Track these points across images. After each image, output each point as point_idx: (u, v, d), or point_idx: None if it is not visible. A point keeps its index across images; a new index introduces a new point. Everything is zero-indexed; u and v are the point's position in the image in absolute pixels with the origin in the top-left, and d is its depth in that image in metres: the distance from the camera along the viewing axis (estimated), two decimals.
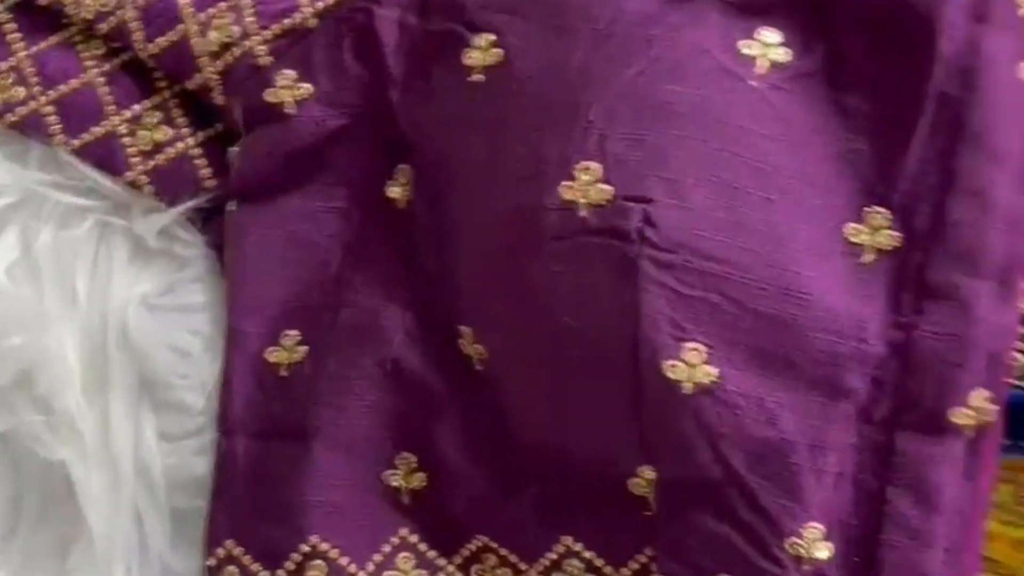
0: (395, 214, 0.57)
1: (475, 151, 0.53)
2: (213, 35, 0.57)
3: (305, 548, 0.55)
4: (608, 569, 0.55)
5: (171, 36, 0.57)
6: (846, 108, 0.51)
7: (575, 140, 0.51)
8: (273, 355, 0.57)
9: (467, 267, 0.54)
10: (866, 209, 0.51)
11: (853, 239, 0.51)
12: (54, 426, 0.57)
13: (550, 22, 0.52)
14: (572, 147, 0.51)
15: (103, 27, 0.58)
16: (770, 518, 0.50)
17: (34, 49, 0.59)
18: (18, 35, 0.59)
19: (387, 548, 0.56)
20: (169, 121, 0.59)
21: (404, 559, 0.56)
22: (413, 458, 0.56)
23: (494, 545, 0.56)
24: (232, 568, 0.56)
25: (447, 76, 0.54)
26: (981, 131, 0.50)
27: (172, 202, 0.58)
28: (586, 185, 0.50)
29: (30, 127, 0.58)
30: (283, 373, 0.57)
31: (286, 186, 0.57)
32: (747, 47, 0.52)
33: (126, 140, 0.59)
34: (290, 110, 0.57)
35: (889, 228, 0.51)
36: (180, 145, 0.59)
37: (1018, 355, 0.54)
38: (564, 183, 0.50)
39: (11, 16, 0.59)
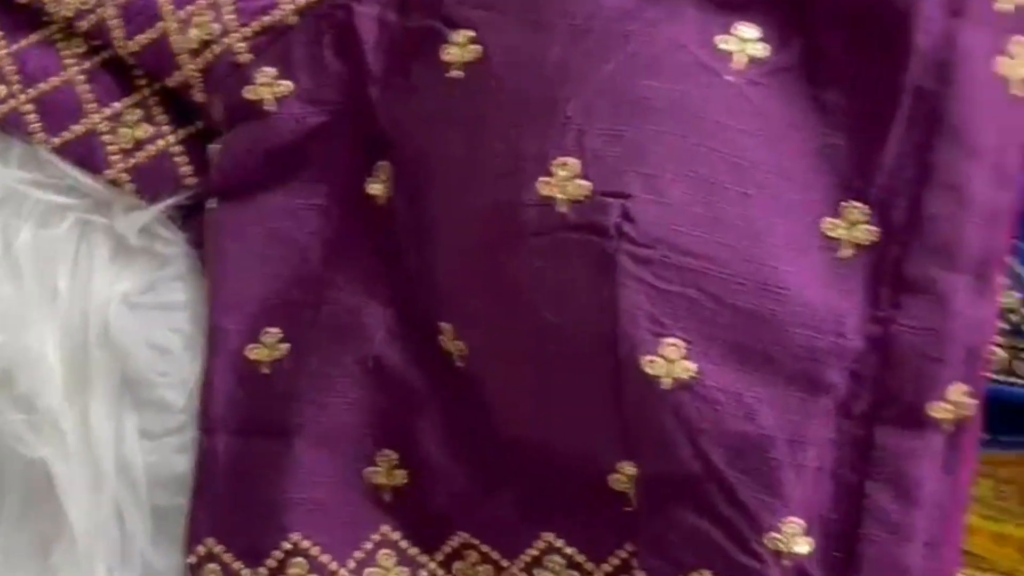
0: (375, 211, 0.57)
1: (454, 147, 0.53)
2: (193, 32, 0.57)
3: (286, 545, 0.55)
4: (589, 565, 0.55)
5: (151, 34, 0.57)
6: (823, 103, 0.51)
7: (553, 136, 0.51)
8: (254, 353, 0.57)
9: (446, 263, 0.54)
10: (843, 204, 0.51)
11: (830, 234, 0.51)
12: (35, 425, 0.57)
13: (528, 18, 0.52)
14: (550, 143, 0.51)
15: (83, 25, 0.58)
16: (749, 513, 0.50)
17: (14, 47, 0.59)
18: None
19: (368, 545, 0.56)
20: (149, 119, 0.59)
21: (385, 556, 0.56)
22: (394, 455, 0.56)
23: (475, 542, 0.56)
24: (213, 566, 0.56)
25: (426, 72, 0.54)
26: (958, 125, 0.50)
27: (153, 200, 0.58)
28: (564, 181, 0.50)
29: (10, 125, 0.58)
30: (264, 371, 0.57)
31: (266, 183, 0.57)
32: (724, 42, 0.52)
33: (106, 138, 0.58)
34: (270, 107, 0.57)
35: (866, 223, 0.51)
36: (161, 143, 0.59)
37: (997, 349, 0.54)
38: (542, 179, 0.50)
39: None
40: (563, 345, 0.51)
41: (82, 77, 0.59)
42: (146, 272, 0.59)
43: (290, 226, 0.57)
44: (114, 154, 0.58)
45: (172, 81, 0.58)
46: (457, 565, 0.56)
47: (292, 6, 0.56)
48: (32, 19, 0.59)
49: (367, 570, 0.56)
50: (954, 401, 0.51)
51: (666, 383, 0.50)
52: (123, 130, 0.58)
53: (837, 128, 0.51)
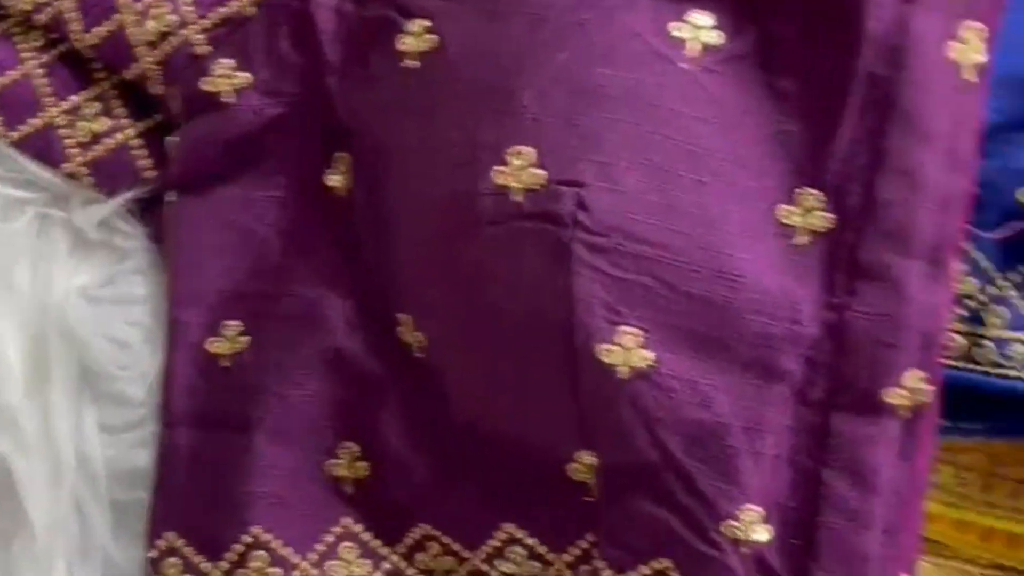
0: (335, 202, 0.56)
1: (410, 137, 0.53)
2: (150, 24, 0.57)
3: (247, 539, 0.55)
4: (550, 555, 0.55)
5: (108, 26, 0.57)
6: (777, 90, 0.51)
7: (508, 125, 0.50)
8: (214, 346, 0.56)
9: (404, 254, 0.54)
10: (798, 191, 0.51)
11: (786, 221, 0.51)
12: None
13: (483, 7, 0.52)
14: (505, 132, 0.50)
15: (41, 18, 0.58)
16: (707, 501, 0.50)
17: None
18: None
19: (330, 538, 0.56)
20: (108, 112, 0.58)
21: (347, 549, 0.56)
22: (356, 447, 0.56)
23: (437, 533, 0.56)
24: (174, 559, 0.56)
25: (383, 62, 0.54)
26: (910, 110, 0.50)
27: (111, 193, 0.58)
28: (519, 170, 0.50)
29: None
30: (225, 364, 0.56)
31: (225, 175, 0.57)
32: (678, 30, 0.51)
33: (64, 131, 0.58)
34: (228, 99, 0.56)
35: (821, 209, 0.51)
36: (119, 136, 0.58)
37: (956, 336, 0.54)
38: (497, 168, 0.50)
39: None
40: (519, 334, 0.51)
41: (40, 71, 0.58)
42: (105, 266, 0.58)
43: (249, 218, 0.57)
44: (72, 147, 0.58)
45: (130, 73, 0.57)
46: (419, 557, 0.56)
47: None
48: None
49: (328, 563, 0.56)
50: (910, 387, 0.51)
51: (623, 372, 0.50)
52: (81, 123, 0.58)
53: (791, 115, 0.51)
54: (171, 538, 0.56)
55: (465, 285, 0.52)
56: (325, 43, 0.56)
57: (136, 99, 0.58)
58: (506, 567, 0.55)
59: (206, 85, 0.56)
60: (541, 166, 0.50)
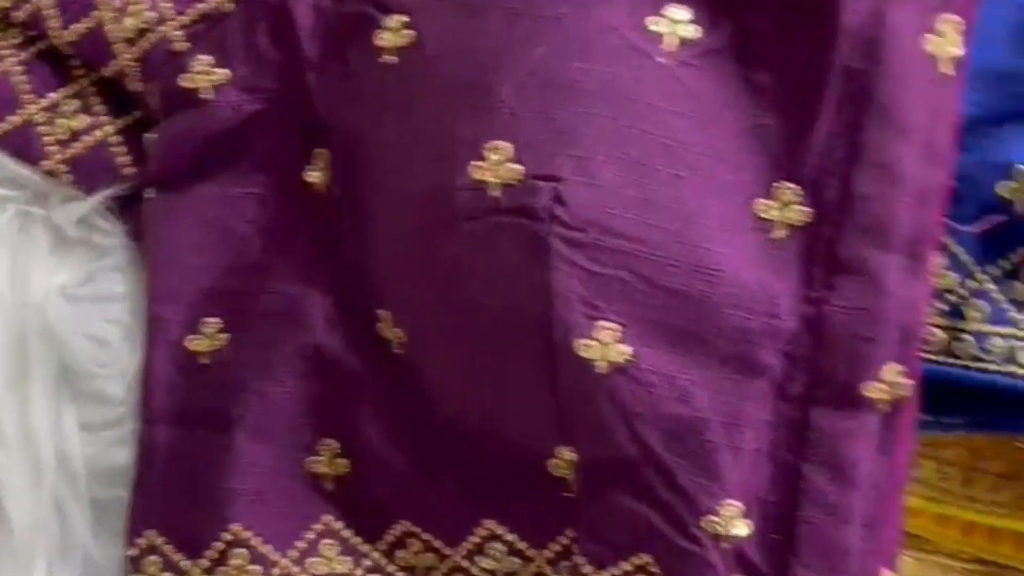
0: (314, 199, 0.56)
1: (389, 133, 0.53)
2: (129, 21, 0.56)
3: (227, 536, 0.55)
4: (531, 551, 0.55)
5: (87, 22, 0.57)
6: (754, 84, 0.51)
7: (485, 120, 0.50)
8: (194, 343, 0.56)
9: (383, 250, 0.54)
10: (776, 185, 0.51)
11: (763, 215, 0.51)
12: None
13: (461, 2, 0.52)
14: (482, 127, 0.50)
15: (19, 15, 0.57)
16: (687, 496, 0.50)
17: None
18: None
19: (311, 535, 0.56)
20: (87, 109, 0.58)
21: (328, 546, 0.56)
22: (336, 444, 0.56)
23: (417, 530, 0.56)
24: (154, 558, 0.56)
25: (361, 58, 0.54)
26: (887, 104, 0.50)
27: (90, 191, 0.58)
28: (496, 164, 0.50)
29: None
30: (204, 361, 0.56)
31: (204, 172, 0.57)
32: (655, 24, 0.51)
33: (43, 129, 0.58)
34: (207, 95, 0.56)
35: (799, 203, 0.51)
36: (98, 133, 0.58)
37: (936, 330, 0.54)
38: (474, 163, 0.50)
39: None
40: (498, 330, 0.51)
41: (19, 68, 0.58)
42: (84, 263, 0.58)
43: (228, 215, 0.57)
44: (51, 145, 0.58)
45: (109, 70, 0.57)
46: (400, 554, 0.56)
47: None
48: None
49: (309, 560, 0.56)
50: (889, 381, 0.51)
51: (601, 367, 0.50)
52: (60, 121, 0.58)
53: (768, 109, 0.51)
54: (151, 536, 0.56)
55: (443, 280, 0.52)
56: (303, 39, 0.55)
57: (115, 96, 0.58)
58: (486, 563, 0.55)
59: (184, 82, 0.56)
60: (518, 161, 0.50)
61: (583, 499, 0.52)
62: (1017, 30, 0.53)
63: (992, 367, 0.53)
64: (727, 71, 0.51)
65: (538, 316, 0.50)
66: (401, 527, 0.56)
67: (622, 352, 0.50)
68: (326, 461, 0.56)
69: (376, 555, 0.56)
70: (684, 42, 0.51)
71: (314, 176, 0.56)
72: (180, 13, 0.56)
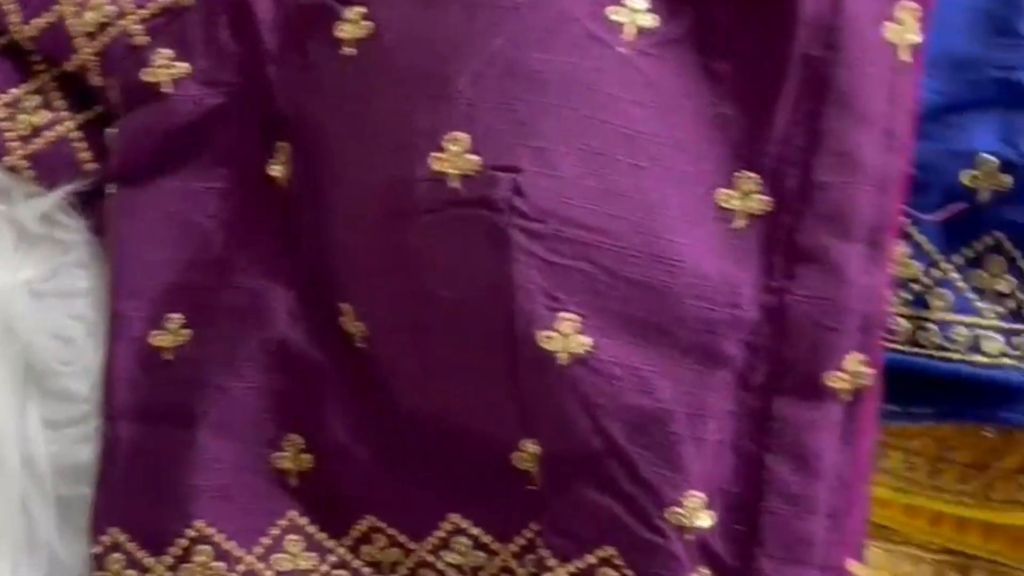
0: (276, 192, 0.56)
1: (348, 125, 0.53)
2: (89, 15, 0.56)
3: (191, 533, 0.55)
4: (496, 545, 0.54)
5: (48, 17, 0.56)
6: (714, 73, 0.51)
7: (444, 111, 0.50)
8: (157, 339, 0.56)
9: (344, 243, 0.54)
10: (736, 174, 0.51)
11: (724, 204, 0.51)
12: None
13: None
14: (441, 118, 0.50)
15: None
16: (651, 488, 0.50)
17: None
18: None
19: (275, 531, 0.56)
20: (47, 105, 0.58)
21: (292, 542, 0.56)
22: (300, 439, 0.56)
23: (382, 525, 0.55)
24: (118, 555, 0.55)
25: (321, 50, 0.54)
26: (846, 92, 0.50)
27: (52, 186, 0.57)
28: (455, 156, 0.50)
29: None
30: (167, 357, 0.56)
31: (165, 167, 0.57)
32: (615, 13, 0.51)
33: (4, 125, 0.58)
34: (167, 89, 0.56)
35: (759, 192, 0.51)
36: (59, 128, 0.58)
37: (900, 320, 0.54)
38: (434, 154, 0.50)
39: None
40: (459, 322, 0.51)
41: None
42: (48, 259, 0.58)
43: (190, 209, 0.56)
44: (12, 141, 0.58)
45: (70, 65, 0.57)
46: (365, 549, 0.56)
47: None
48: None
49: (274, 556, 0.56)
50: (851, 371, 0.50)
51: (562, 358, 0.49)
52: (21, 116, 0.58)
53: (727, 98, 0.51)
54: (114, 533, 0.55)
55: (403, 273, 0.51)
56: (263, 31, 0.55)
57: (76, 91, 0.58)
58: (452, 558, 0.55)
59: (145, 76, 0.56)
60: (477, 152, 0.50)
61: (547, 492, 0.52)
62: (976, 17, 0.53)
63: (956, 356, 0.53)
64: (687, 60, 0.51)
65: (499, 308, 0.49)
66: (366, 522, 0.55)
67: (582, 343, 0.49)
68: (290, 456, 0.56)
69: (341, 551, 0.56)
70: (642, 31, 0.51)
71: (276, 170, 0.56)
72: (140, 7, 0.56)
